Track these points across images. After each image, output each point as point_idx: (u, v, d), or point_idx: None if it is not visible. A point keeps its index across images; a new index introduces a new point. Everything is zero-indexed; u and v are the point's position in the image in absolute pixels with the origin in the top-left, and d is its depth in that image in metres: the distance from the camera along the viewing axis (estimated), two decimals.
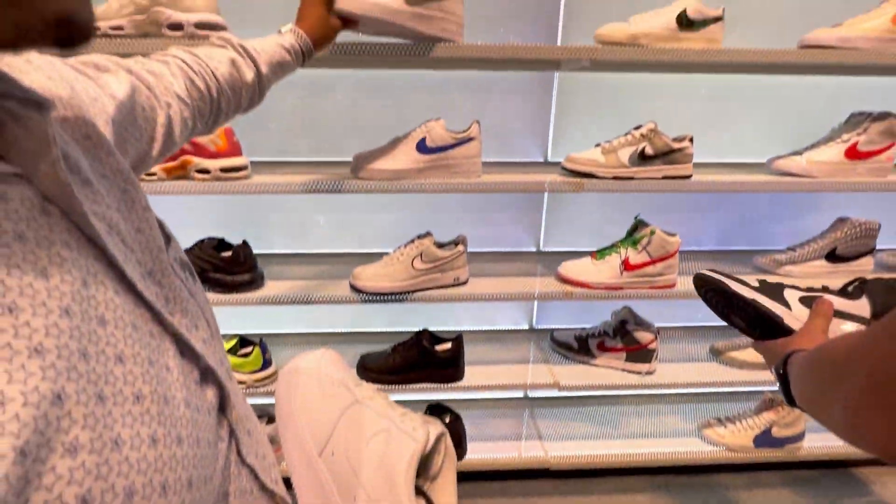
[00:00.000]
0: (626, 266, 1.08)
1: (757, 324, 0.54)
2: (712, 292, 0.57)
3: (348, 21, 0.72)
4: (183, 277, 0.34)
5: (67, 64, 0.38)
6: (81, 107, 0.33)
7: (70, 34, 0.23)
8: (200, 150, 0.94)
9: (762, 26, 1.17)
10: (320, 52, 0.70)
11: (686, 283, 1.13)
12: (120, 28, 0.85)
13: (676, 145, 0.99)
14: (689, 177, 1.02)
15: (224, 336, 1.18)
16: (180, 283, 0.33)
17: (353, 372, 0.60)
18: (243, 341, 1.17)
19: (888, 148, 1.03)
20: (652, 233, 1.06)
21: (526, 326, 1.46)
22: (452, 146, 0.99)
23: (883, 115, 1.03)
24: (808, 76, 1.17)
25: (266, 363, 1.14)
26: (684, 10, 0.91)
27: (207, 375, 0.33)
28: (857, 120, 1.05)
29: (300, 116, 1.21)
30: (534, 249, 1.38)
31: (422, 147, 0.97)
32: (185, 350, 0.31)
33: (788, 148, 1.12)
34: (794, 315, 0.52)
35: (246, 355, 1.12)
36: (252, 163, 1.18)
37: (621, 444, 1.31)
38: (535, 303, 1.44)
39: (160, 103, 0.46)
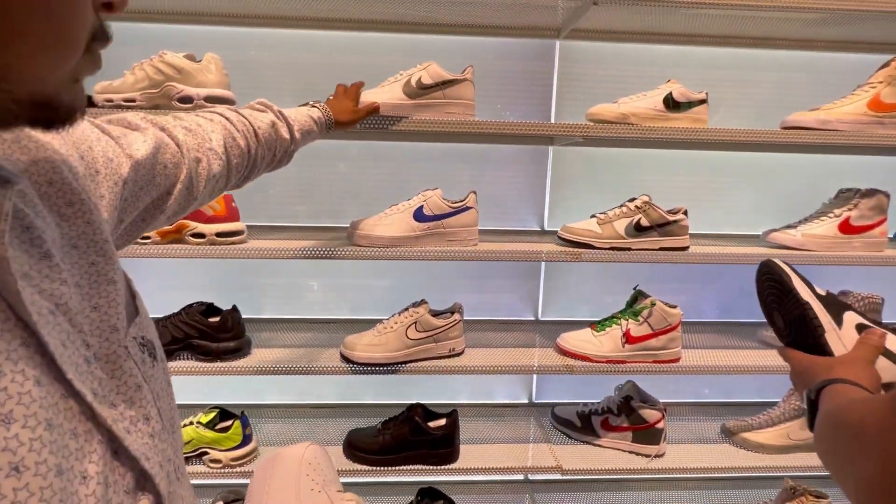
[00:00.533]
0: (628, 339, 1.04)
1: (795, 328, 0.51)
2: (771, 281, 0.54)
3: (371, 110, 0.88)
4: (139, 360, 0.31)
5: (94, 123, 0.40)
6: (77, 172, 0.33)
7: (48, 117, 0.22)
8: (197, 215, 0.94)
9: (745, 107, 1.24)
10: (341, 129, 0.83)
11: (691, 357, 1.09)
12: (132, 101, 0.89)
13: (671, 217, 1.00)
14: (686, 248, 1.01)
15: (203, 407, 1.11)
16: (134, 366, 0.30)
17: (335, 474, 0.55)
18: (224, 414, 1.09)
19: (880, 223, 1.05)
20: (652, 304, 1.03)
21: (525, 400, 1.38)
22: (449, 214, 1.00)
23: (871, 192, 1.05)
24: (791, 154, 1.22)
25: (246, 439, 1.06)
26: (670, 93, 0.96)
27: (144, 482, 0.29)
28: (847, 196, 1.07)
29: (299, 182, 1.24)
30: (532, 318, 1.34)
31: (419, 215, 0.97)
32: (120, 450, 0.28)
33: (778, 221, 1.14)
34: (840, 335, 0.49)
35: (224, 430, 1.04)
36: (249, 227, 1.19)
37: None
38: (535, 377, 1.37)
39: (186, 160, 0.48)
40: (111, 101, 0.89)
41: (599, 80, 1.22)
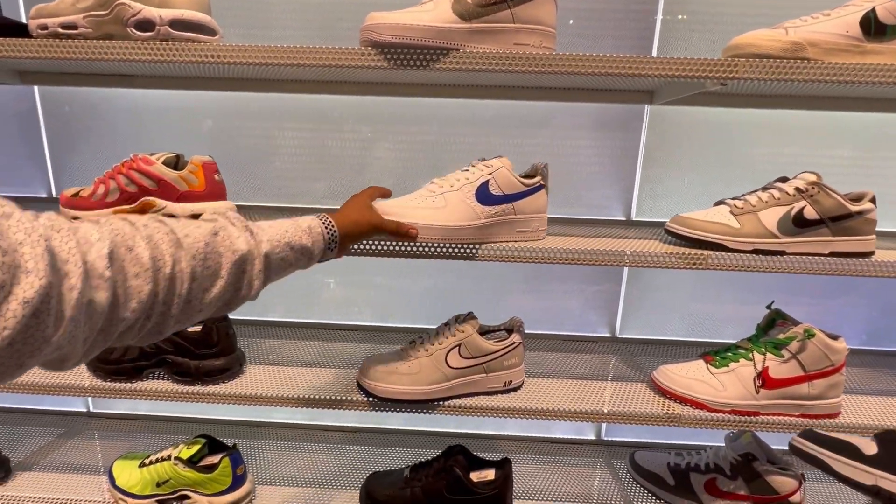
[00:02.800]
0: (766, 381, 0.72)
1: None
2: None
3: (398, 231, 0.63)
4: None
5: None
6: None
7: None
8: (166, 190, 0.69)
9: None
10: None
11: (853, 411, 0.76)
12: (72, 27, 0.63)
13: (854, 207, 0.66)
14: (870, 254, 0.67)
15: (191, 426, 0.88)
16: None
17: None
18: (212, 445, 0.86)
19: None
20: (809, 335, 0.70)
21: (593, 436, 1.09)
22: (522, 195, 0.70)
23: None
24: None
25: (237, 481, 0.82)
26: (873, 11, 0.61)
27: None
28: None
29: (311, 151, 0.97)
30: (608, 334, 1.03)
31: (484, 194, 0.68)
32: None
33: None
34: None
35: (209, 469, 0.81)
36: (247, 208, 0.93)
37: None
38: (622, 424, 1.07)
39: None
40: (46, 27, 0.64)
41: (720, 7, 0.86)
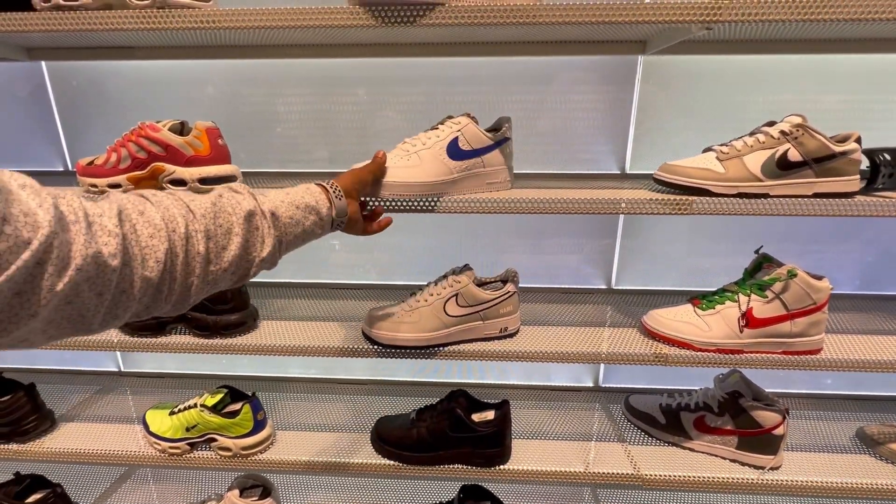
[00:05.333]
0: (750, 321, 0.76)
1: None
2: None
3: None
4: None
5: None
6: None
7: None
8: (174, 155, 0.73)
9: None
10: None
11: (833, 348, 0.79)
12: None
13: (837, 147, 0.67)
14: (852, 194, 0.69)
15: (215, 380, 0.96)
16: None
17: None
18: (234, 394, 0.93)
19: None
20: (791, 275, 0.73)
21: (590, 383, 1.14)
22: (489, 149, 0.73)
23: None
24: None
25: (258, 426, 0.90)
26: None
27: None
28: None
29: (314, 117, 0.99)
30: (604, 286, 1.07)
31: (454, 150, 0.71)
32: None
33: None
34: None
35: (232, 415, 0.89)
36: (250, 175, 0.97)
37: None
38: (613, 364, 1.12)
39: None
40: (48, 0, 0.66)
41: None
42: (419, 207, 0.71)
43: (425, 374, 1.15)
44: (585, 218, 1.02)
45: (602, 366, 1.13)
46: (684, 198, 0.69)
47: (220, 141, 0.76)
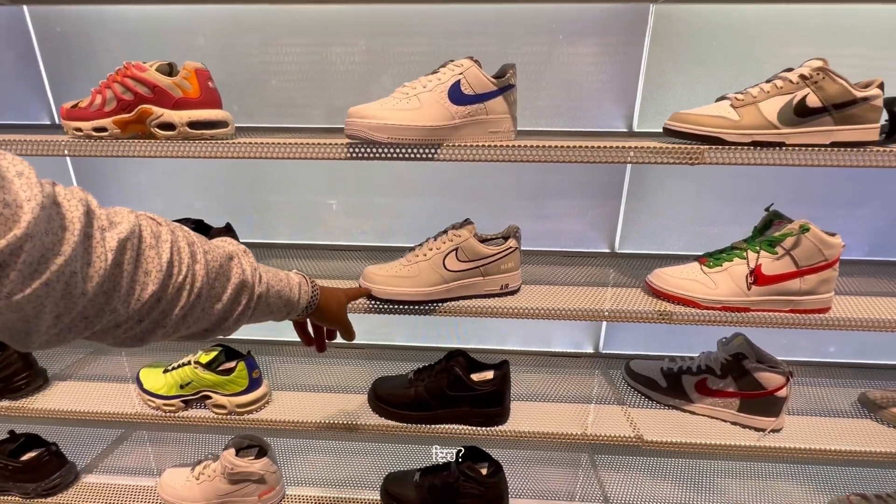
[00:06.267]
0: (758, 278, 0.74)
1: None
2: None
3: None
4: None
5: None
6: None
7: None
8: (162, 97, 0.69)
9: None
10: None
11: (842, 307, 0.77)
12: None
13: (860, 93, 0.63)
14: (871, 144, 0.66)
15: (204, 346, 0.94)
16: None
17: None
18: (229, 353, 0.92)
19: None
20: (804, 229, 0.71)
21: (591, 349, 1.13)
22: (493, 94, 0.69)
23: None
24: None
25: (253, 384, 0.89)
26: None
27: None
28: None
29: (310, 69, 0.95)
30: (607, 250, 1.05)
31: (456, 94, 0.67)
32: None
33: None
34: None
35: (227, 372, 0.87)
36: (244, 129, 0.94)
37: None
38: (604, 322, 1.10)
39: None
40: None
41: None
42: (418, 155, 0.68)
43: (423, 338, 1.14)
44: (589, 178, 0.99)
45: (603, 332, 1.11)
46: (696, 147, 0.66)
47: (210, 83, 0.73)
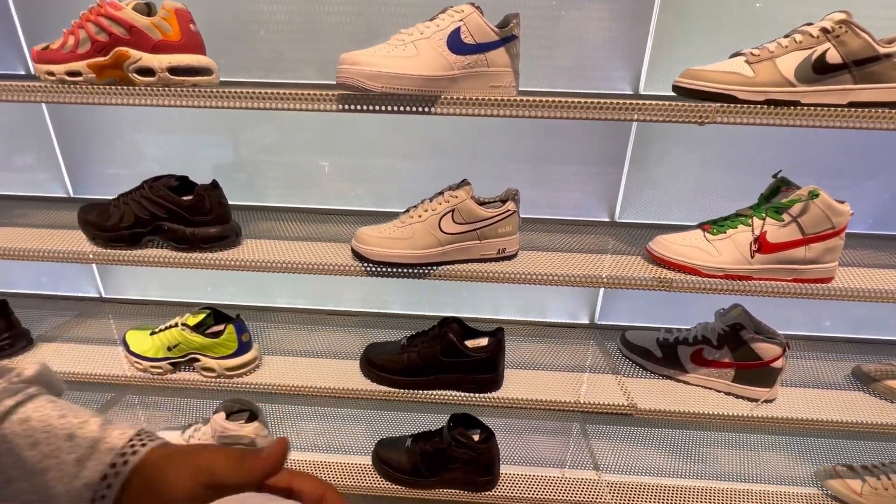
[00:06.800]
0: (763, 245, 0.72)
1: None
2: None
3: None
4: None
5: None
6: None
7: None
8: (140, 39, 0.65)
9: None
10: None
11: (845, 277, 0.76)
12: None
13: (883, 49, 0.60)
14: (891, 105, 0.63)
15: (193, 306, 0.92)
16: None
17: None
18: (217, 316, 0.90)
19: None
20: (813, 195, 0.68)
21: (586, 320, 1.12)
22: (495, 45, 0.65)
23: None
24: None
25: (242, 347, 0.87)
26: None
27: None
28: None
29: (299, 22, 0.90)
30: (607, 219, 1.02)
31: (455, 43, 0.63)
32: None
33: None
34: None
35: (216, 335, 0.85)
36: (230, 83, 0.89)
37: (702, 483, 0.97)
38: (601, 292, 1.09)
39: None
40: None
41: None
42: (413, 108, 0.64)
43: (417, 306, 1.12)
44: (592, 143, 0.96)
45: (599, 303, 1.10)
46: (706, 105, 0.63)
47: (191, 26, 0.68)
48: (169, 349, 0.86)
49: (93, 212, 0.79)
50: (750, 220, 0.73)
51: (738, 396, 0.86)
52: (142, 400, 1.19)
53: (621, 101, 0.64)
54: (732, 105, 0.63)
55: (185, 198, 0.77)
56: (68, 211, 0.94)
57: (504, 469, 0.96)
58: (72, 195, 1.07)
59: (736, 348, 0.84)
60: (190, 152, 1.01)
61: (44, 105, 1.00)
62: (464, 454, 0.88)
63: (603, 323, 1.11)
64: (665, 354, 0.91)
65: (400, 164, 1.00)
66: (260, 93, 0.65)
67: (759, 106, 0.62)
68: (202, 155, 1.01)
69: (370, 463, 0.97)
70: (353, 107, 0.64)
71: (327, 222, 0.98)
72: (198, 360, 0.87)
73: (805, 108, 0.62)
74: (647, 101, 0.64)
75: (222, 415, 0.93)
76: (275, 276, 1.12)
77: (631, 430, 1.13)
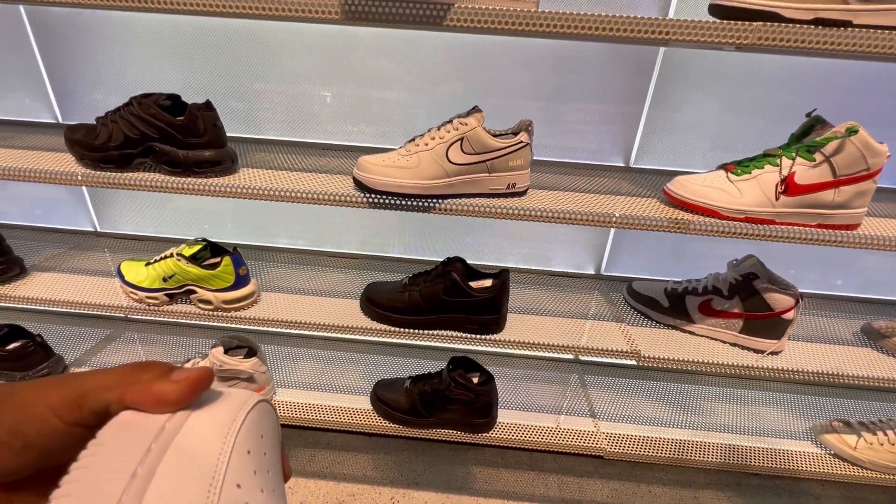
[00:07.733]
0: (790, 187, 0.67)
1: None
2: None
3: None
4: None
5: None
6: None
7: None
8: None
9: None
10: None
11: (872, 225, 0.72)
12: None
13: None
14: None
15: (186, 239, 0.89)
16: None
17: (278, 461, 0.23)
18: (214, 249, 0.87)
19: None
20: (852, 132, 0.63)
21: (592, 271, 1.09)
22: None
23: None
24: None
25: (240, 280, 0.85)
26: None
27: None
28: None
29: None
30: (621, 164, 0.97)
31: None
32: None
33: None
34: None
35: (212, 267, 0.83)
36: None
37: (700, 436, 0.98)
38: (609, 243, 1.06)
39: None
40: None
41: None
42: (423, 19, 0.58)
43: (418, 251, 1.10)
44: (612, 79, 0.89)
45: (606, 253, 1.07)
46: (746, 24, 0.57)
47: None
48: (165, 279, 0.84)
49: (80, 131, 0.74)
50: (778, 160, 0.68)
51: (743, 347, 0.84)
52: (140, 336, 1.19)
53: (652, 19, 0.58)
54: (777, 24, 0.57)
55: (177, 119, 0.72)
56: (56, 136, 0.89)
57: (502, 414, 0.96)
58: (60, 121, 1.02)
59: (747, 298, 0.82)
60: (182, 66, 0.95)
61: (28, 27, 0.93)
62: (462, 395, 0.88)
63: (609, 274, 1.08)
64: (672, 304, 0.89)
65: (405, 96, 0.94)
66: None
67: (805, 26, 0.56)
68: (195, 73, 0.95)
69: (368, 403, 0.97)
70: (359, 11, 0.59)
71: (328, 156, 0.93)
72: (194, 292, 0.85)
73: (856, 30, 0.56)
74: (681, 20, 0.58)
75: (220, 349, 0.92)
76: (273, 213, 1.09)
77: (628, 381, 1.13)
